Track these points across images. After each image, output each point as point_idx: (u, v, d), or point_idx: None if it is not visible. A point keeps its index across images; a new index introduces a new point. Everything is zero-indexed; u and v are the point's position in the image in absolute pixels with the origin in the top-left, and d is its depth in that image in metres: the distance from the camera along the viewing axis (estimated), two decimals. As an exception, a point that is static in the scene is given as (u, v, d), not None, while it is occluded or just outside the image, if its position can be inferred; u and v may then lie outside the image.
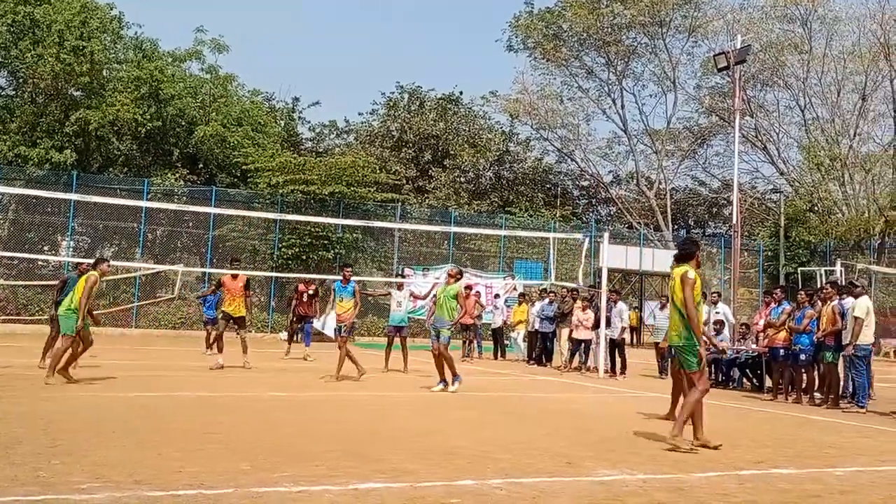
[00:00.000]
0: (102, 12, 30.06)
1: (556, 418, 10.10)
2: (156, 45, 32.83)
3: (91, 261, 12.79)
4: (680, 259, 8.21)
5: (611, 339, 17.37)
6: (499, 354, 21.92)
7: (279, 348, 19.80)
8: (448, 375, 12.56)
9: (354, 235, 29.49)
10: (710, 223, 48.90)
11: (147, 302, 26.21)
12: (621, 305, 18.00)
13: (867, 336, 12.18)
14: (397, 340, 16.16)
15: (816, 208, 38.47)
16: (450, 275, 12.92)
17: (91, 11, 28.93)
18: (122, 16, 31.67)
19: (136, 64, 31.02)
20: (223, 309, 15.24)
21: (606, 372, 16.86)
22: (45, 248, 27.37)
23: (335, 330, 14.62)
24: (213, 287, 17.30)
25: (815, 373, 13.45)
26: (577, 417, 10.30)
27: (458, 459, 6.76)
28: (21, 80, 30.14)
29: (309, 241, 28.25)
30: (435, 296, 13.20)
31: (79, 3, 28.62)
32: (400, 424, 8.86)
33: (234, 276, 15.33)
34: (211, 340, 17.63)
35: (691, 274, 7.94)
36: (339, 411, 9.85)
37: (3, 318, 24.42)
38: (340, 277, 14.43)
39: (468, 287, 20.89)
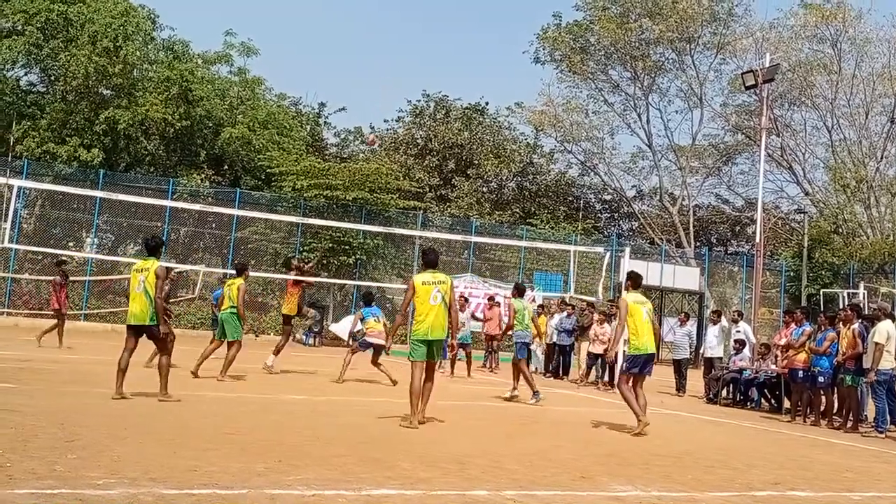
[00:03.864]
0: (140, 16, 30.26)
1: (570, 431, 10.06)
2: (187, 46, 33.10)
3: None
4: (431, 264, 9.57)
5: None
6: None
7: (296, 352, 19.86)
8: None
9: (375, 241, 29.53)
10: (732, 241, 48.51)
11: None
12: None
13: (888, 361, 12.04)
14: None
15: (841, 230, 38.10)
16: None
17: (130, 16, 29.13)
18: (157, 18, 31.99)
19: (167, 65, 31.27)
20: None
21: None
22: (70, 244, 27.61)
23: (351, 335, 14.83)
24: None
25: (835, 396, 13.32)
26: (592, 431, 10.25)
27: (470, 469, 6.75)
28: (52, 78, 30.48)
29: (330, 245, 28.33)
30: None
31: (119, 6, 28.87)
32: (414, 432, 8.85)
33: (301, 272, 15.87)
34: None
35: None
36: (353, 416, 9.87)
37: (26, 312, 24.68)
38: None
39: (491, 298, 20.89)
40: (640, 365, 10.19)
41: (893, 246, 35.27)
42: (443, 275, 9.50)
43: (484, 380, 17.61)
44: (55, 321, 17.06)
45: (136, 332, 9.90)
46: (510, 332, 13.97)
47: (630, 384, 10.18)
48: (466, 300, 20.77)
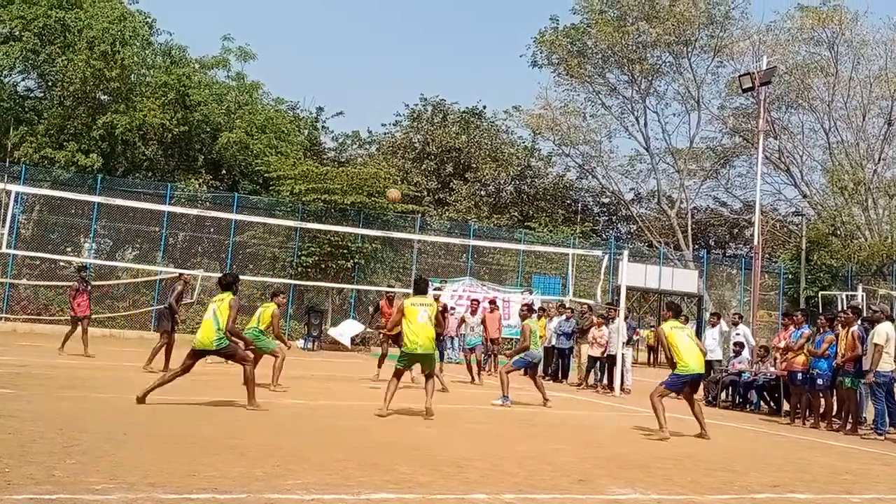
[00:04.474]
0: (136, 20, 30.21)
1: (569, 434, 10.06)
2: (184, 51, 33.10)
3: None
4: (421, 291, 10.91)
5: (610, 356, 17.46)
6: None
7: (294, 356, 19.75)
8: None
9: (374, 246, 29.53)
10: (730, 244, 48.53)
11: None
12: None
13: (887, 363, 12.04)
14: None
15: (839, 232, 38.11)
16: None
17: (127, 21, 29.07)
18: (154, 23, 31.98)
19: (164, 70, 31.27)
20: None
21: (622, 390, 16.84)
22: (68, 249, 27.58)
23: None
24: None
25: (834, 398, 13.31)
26: (591, 434, 10.25)
27: (470, 472, 6.74)
28: (50, 84, 30.47)
29: (328, 249, 28.30)
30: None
31: (116, 11, 28.85)
32: (413, 435, 8.85)
33: (390, 303, 16.44)
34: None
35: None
36: (353, 420, 9.86)
37: (24, 317, 24.63)
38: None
39: (492, 301, 20.90)
40: (682, 385, 10.49)
41: (891, 248, 35.29)
42: (430, 299, 10.97)
43: (484, 382, 17.59)
44: (82, 327, 16.93)
45: (198, 355, 10.23)
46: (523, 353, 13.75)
47: (662, 397, 10.42)
48: (479, 304, 20.79)
